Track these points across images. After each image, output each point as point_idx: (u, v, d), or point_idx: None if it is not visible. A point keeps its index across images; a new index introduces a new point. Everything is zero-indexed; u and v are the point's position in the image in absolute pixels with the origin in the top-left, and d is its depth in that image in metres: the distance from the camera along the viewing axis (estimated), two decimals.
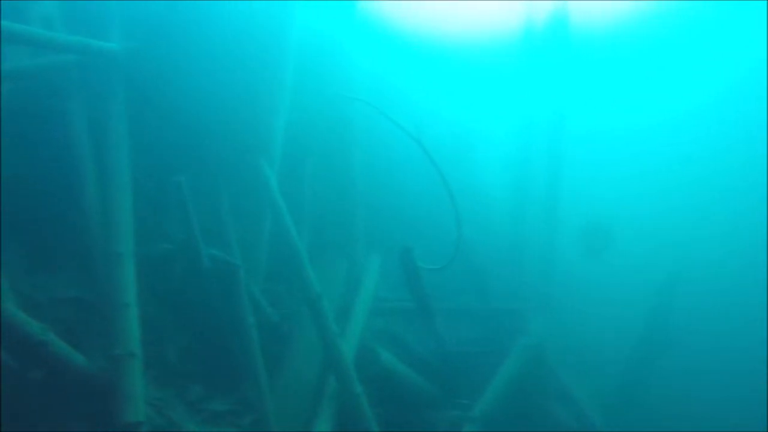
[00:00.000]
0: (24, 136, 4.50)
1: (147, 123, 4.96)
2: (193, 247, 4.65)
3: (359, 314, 5.44)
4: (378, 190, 6.55)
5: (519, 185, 7.80)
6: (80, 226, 4.25)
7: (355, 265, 6.19)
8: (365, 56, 6.64)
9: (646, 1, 9.05)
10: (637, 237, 8.33)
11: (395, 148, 6.06)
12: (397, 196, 6.90)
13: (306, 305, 4.78)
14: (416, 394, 5.44)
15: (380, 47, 7.29)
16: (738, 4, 8.53)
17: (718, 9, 8.72)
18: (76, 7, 5.00)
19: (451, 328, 6.25)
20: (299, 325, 5.19)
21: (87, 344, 3.78)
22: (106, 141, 4.65)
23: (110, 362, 3.63)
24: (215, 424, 4.42)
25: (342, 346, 4.59)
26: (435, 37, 8.38)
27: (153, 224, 4.81)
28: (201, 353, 4.59)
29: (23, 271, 4.07)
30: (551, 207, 7.81)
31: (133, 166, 4.70)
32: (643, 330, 7.08)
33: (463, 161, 8.01)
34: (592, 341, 7.07)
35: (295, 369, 5.03)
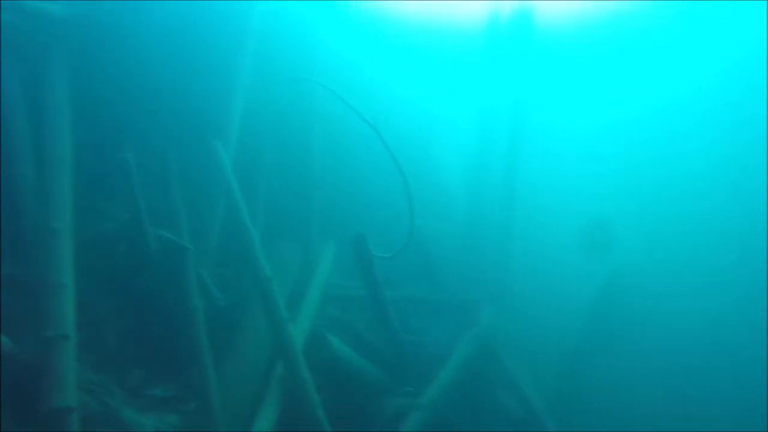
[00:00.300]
0: None
1: (92, 95, 4.71)
2: (138, 227, 4.47)
3: (312, 301, 5.36)
4: (336, 177, 6.46)
5: (478, 174, 7.85)
6: (11, 198, 4.00)
7: (310, 252, 6.11)
8: (332, 41, 6.52)
9: (613, 1, 9.28)
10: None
11: (356, 135, 5.97)
12: (356, 183, 6.82)
13: (255, 289, 4.66)
14: (366, 382, 5.41)
15: (349, 33, 7.18)
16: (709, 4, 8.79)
17: (689, 8, 8.96)
18: None
19: (404, 318, 6.25)
20: (249, 311, 5.07)
21: (16, 326, 3.57)
22: (44, 110, 4.39)
23: (40, 344, 3.44)
24: (157, 411, 4.27)
25: (291, 332, 4.50)
26: (403, 24, 8.35)
27: (95, 202, 4.59)
28: (144, 337, 4.42)
29: None
30: (509, 197, 7.89)
31: (75, 139, 4.47)
32: (585, 325, 7.25)
33: (425, 149, 8.00)
34: (542, 332, 7.21)
35: (243, 355, 4.92)
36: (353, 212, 6.92)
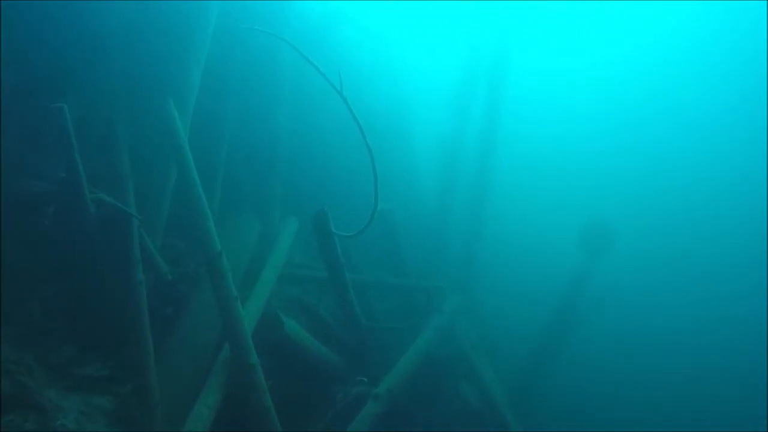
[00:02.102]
0: None
1: (23, 34, 4.09)
2: (74, 188, 3.91)
3: (267, 279, 4.91)
4: (302, 148, 5.98)
5: (450, 154, 7.52)
6: None
7: (270, 227, 5.65)
8: None
9: None
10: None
11: (325, 103, 5.49)
12: (324, 156, 6.36)
13: (204, 264, 4.19)
14: (321, 368, 5.02)
15: None
16: None
17: None
18: None
19: (365, 302, 5.87)
20: (199, 287, 4.60)
21: None
22: None
23: None
24: (85, 392, 3.78)
25: (239, 311, 4.05)
26: None
27: (27, 159, 4.01)
28: (75, 311, 3.90)
29: None
30: (482, 179, 7.58)
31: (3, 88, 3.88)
32: (548, 322, 7.01)
33: (399, 125, 7.60)
34: (508, 324, 6.95)
35: (188, 334, 4.44)
36: (320, 186, 6.48)
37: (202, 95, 4.98)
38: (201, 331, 4.46)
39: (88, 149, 4.32)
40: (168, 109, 4.40)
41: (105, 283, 4.04)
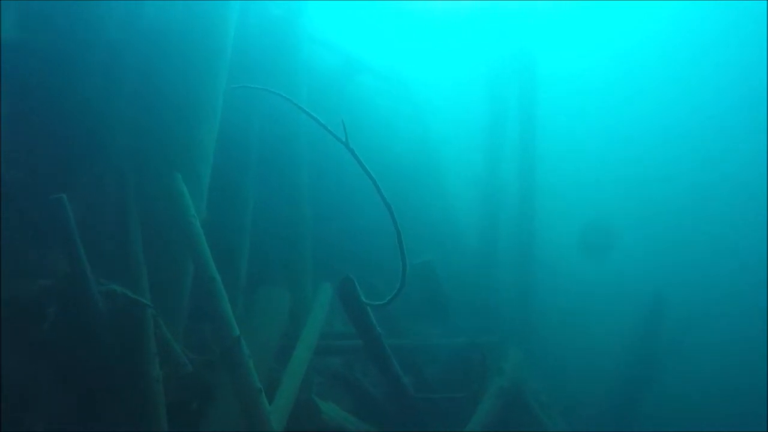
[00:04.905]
0: None
1: (25, 127, 3.85)
2: (78, 284, 3.51)
3: (301, 358, 4.31)
4: (329, 206, 5.50)
5: (490, 194, 6.91)
6: None
7: (302, 297, 5.11)
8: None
9: None
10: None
11: (345, 160, 5.04)
12: (353, 212, 5.86)
13: (221, 352, 3.65)
14: None
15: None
16: None
17: None
18: None
19: (414, 368, 5.16)
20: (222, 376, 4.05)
21: None
22: None
23: None
24: None
25: (263, 406, 3.44)
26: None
27: (28, 256, 3.67)
28: (85, 421, 3.41)
29: None
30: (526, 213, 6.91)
31: (3, 182, 3.61)
32: (629, 364, 6.05)
33: (428, 170, 7.09)
34: (577, 376, 6.03)
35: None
36: (353, 245, 5.96)
37: (218, 162, 4.63)
38: (230, 427, 3.88)
39: (98, 237, 3.98)
40: (176, 185, 4.02)
41: (118, 384, 3.56)
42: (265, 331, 4.58)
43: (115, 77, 4.13)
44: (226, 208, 4.89)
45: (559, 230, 8.07)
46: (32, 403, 3.27)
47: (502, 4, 7.92)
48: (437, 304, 5.65)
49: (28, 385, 3.27)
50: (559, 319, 7.12)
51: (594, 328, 7.11)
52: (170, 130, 4.23)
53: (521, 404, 5.04)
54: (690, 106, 9.11)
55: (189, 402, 3.92)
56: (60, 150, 3.88)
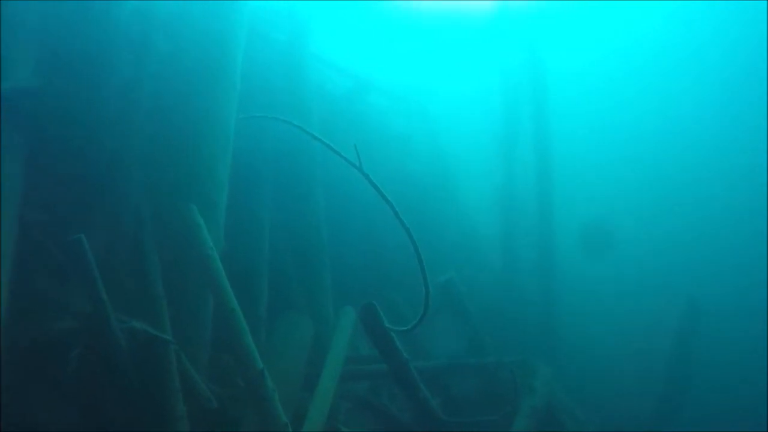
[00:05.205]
0: None
1: (47, 173, 3.88)
2: (100, 323, 3.48)
3: (326, 387, 4.21)
4: (346, 228, 5.43)
5: (505, 197, 6.80)
6: None
7: (324, 323, 5.02)
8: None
9: None
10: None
11: (361, 178, 4.99)
12: (372, 233, 5.78)
13: (245, 386, 3.57)
14: None
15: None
16: None
17: None
18: None
19: (442, 390, 5.02)
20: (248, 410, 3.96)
21: None
22: None
23: None
24: None
25: None
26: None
27: (52, 296, 3.66)
28: None
29: None
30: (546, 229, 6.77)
31: (25, 225, 3.62)
32: (666, 377, 5.82)
33: (445, 186, 7.00)
34: (610, 391, 5.82)
35: None
36: (373, 267, 5.87)
37: (233, 189, 4.60)
38: None
39: (117, 273, 3.96)
40: (192, 216, 3.99)
41: (142, 422, 3.50)
42: (288, 361, 4.50)
43: (128, 114, 4.16)
44: (242, 235, 4.85)
45: (578, 238, 7.91)
46: None
47: (508, 7, 7.88)
48: (461, 322, 5.52)
49: (52, 426, 3.22)
50: (586, 330, 6.93)
51: (623, 337, 6.89)
52: (184, 162, 4.22)
53: (556, 423, 4.86)
54: (716, 104, 8.92)
55: None
56: (77, 189, 3.89)
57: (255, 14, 5.15)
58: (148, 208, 4.10)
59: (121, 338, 3.55)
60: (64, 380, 3.33)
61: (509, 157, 7.22)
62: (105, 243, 3.89)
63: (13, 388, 3.17)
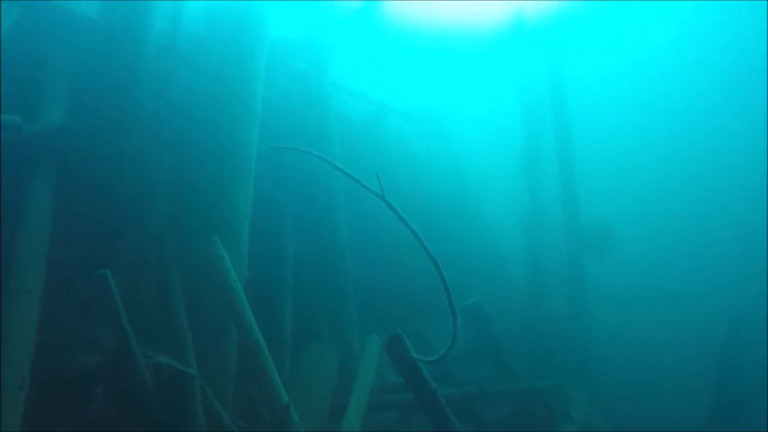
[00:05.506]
0: None
1: (74, 209, 3.93)
2: (125, 359, 3.46)
3: (353, 419, 4.10)
4: (370, 255, 5.37)
5: (529, 214, 6.64)
6: None
7: (350, 352, 4.92)
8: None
9: None
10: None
11: (380, 207, 4.94)
12: (392, 256, 5.69)
13: (270, 419, 3.49)
14: None
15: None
16: None
17: None
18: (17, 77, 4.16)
19: (472, 418, 4.85)
20: None
21: None
22: (17, 235, 3.62)
23: None
24: None
25: None
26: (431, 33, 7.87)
27: (79, 331, 3.67)
28: None
29: None
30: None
31: (53, 261, 3.65)
32: (714, 402, 5.52)
33: (467, 198, 6.90)
34: (650, 415, 5.54)
35: None
36: (398, 293, 5.77)
37: (255, 219, 4.59)
38: None
39: (141, 306, 3.96)
40: (215, 249, 3.98)
41: None
42: (314, 392, 4.42)
43: (151, 147, 4.20)
44: (266, 264, 4.83)
45: (608, 252, 7.65)
46: None
47: (523, 22, 7.83)
48: (490, 346, 5.35)
49: None
50: (621, 348, 6.66)
51: (662, 355, 6.58)
52: (206, 194, 4.24)
53: None
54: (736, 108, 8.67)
55: None
56: (103, 224, 3.92)
57: (276, 44, 5.22)
58: (172, 241, 4.12)
59: (146, 373, 3.53)
60: (90, 416, 3.31)
61: (532, 173, 7.07)
62: (130, 276, 3.90)
63: (39, 423, 3.15)
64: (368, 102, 6.30)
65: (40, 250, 3.61)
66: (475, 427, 4.79)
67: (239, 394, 4.25)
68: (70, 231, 3.87)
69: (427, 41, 8.87)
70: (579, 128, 7.35)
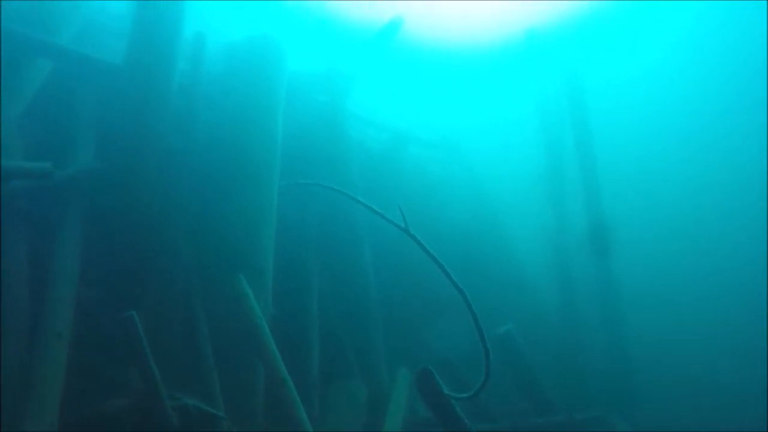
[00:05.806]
0: None
1: (101, 249, 3.95)
2: (152, 401, 3.40)
3: None
4: (394, 289, 5.25)
5: (556, 236, 6.45)
6: None
7: (378, 387, 4.78)
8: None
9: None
10: None
11: (405, 238, 4.86)
12: (419, 287, 5.57)
13: None
14: None
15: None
16: None
17: None
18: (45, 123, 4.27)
19: None
20: None
21: None
22: (48, 278, 3.63)
23: None
24: None
25: None
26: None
27: (106, 372, 3.63)
28: None
29: None
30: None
31: (81, 301, 3.65)
32: None
33: (492, 224, 6.75)
34: None
35: None
36: (426, 324, 5.64)
37: (279, 253, 4.55)
38: None
39: (168, 346, 3.92)
40: (240, 286, 3.94)
41: None
42: (343, 427, 4.28)
43: (176, 187, 4.22)
44: (291, 300, 4.76)
45: (639, 266, 7.37)
46: None
47: (537, 35, 7.75)
48: (524, 376, 5.15)
49: None
50: (664, 373, 6.33)
51: (709, 379, 6.22)
52: (231, 231, 4.23)
53: None
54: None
55: None
56: (129, 264, 3.92)
57: (295, 78, 5.28)
58: (198, 280, 4.09)
59: (173, 416, 3.46)
60: None
61: (555, 185, 6.87)
62: (156, 316, 3.87)
63: None
64: (386, 130, 6.29)
65: (69, 293, 3.61)
66: None
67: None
68: (97, 270, 3.87)
69: (440, 62, 8.88)
70: (597, 135, 7.17)
